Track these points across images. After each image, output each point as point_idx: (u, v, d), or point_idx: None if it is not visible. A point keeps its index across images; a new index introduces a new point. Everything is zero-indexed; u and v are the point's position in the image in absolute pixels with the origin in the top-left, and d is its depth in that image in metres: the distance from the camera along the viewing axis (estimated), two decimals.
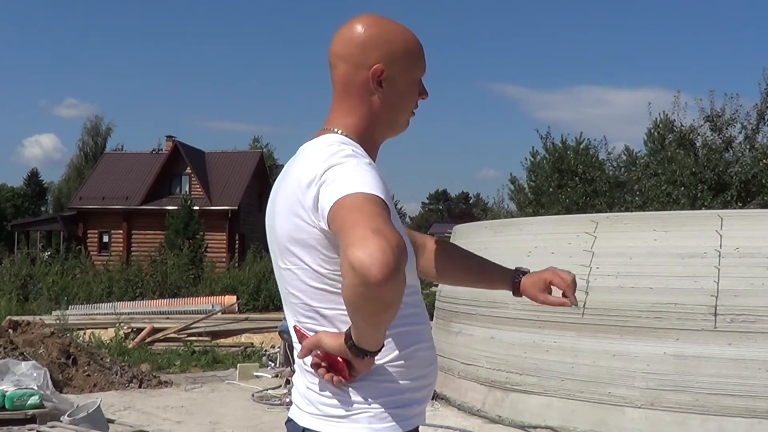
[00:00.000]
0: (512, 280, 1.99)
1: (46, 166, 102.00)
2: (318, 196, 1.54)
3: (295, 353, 1.74)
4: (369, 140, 1.72)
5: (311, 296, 1.63)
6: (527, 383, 6.74)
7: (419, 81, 1.80)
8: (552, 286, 1.94)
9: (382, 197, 1.50)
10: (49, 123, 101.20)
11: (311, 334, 1.63)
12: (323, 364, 1.59)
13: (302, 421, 1.65)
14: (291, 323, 1.73)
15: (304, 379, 1.67)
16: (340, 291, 1.57)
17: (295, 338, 1.71)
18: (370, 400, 1.59)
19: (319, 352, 1.60)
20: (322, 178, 1.54)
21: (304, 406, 1.66)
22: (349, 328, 1.53)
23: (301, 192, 1.59)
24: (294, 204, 1.61)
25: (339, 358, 1.56)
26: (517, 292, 1.99)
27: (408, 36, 1.76)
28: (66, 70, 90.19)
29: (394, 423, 1.58)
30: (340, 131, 1.71)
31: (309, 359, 1.63)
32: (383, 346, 1.56)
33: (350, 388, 1.59)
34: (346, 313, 1.56)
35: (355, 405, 1.59)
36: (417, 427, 1.65)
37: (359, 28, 1.72)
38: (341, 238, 1.43)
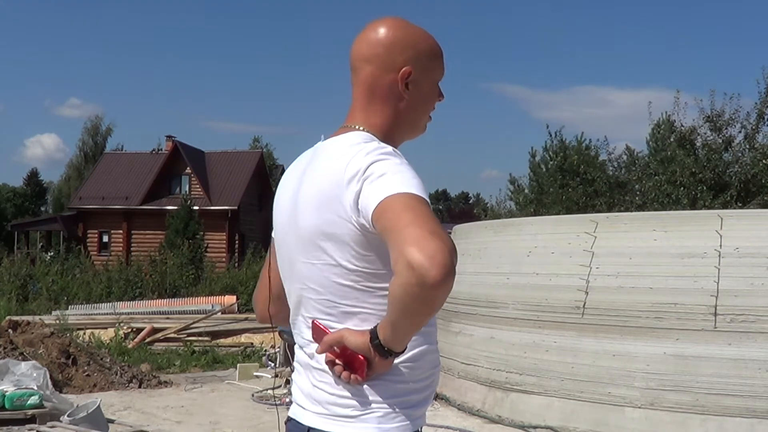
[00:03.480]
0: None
1: (48, 166, 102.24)
2: (361, 191, 1.51)
3: (297, 348, 1.71)
4: (390, 142, 1.69)
5: (335, 293, 1.59)
6: (527, 383, 6.73)
7: (438, 84, 1.79)
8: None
9: (428, 200, 1.49)
10: (52, 123, 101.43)
11: (332, 330, 1.59)
12: (338, 361, 1.56)
13: (307, 420, 1.62)
14: (299, 319, 1.69)
15: (311, 378, 1.64)
16: (366, 288, 1.56)
17: (305, 334, 1.67)
18: (381, 399, 1.57)
19: (336, 349, 1.56)
20: (366, 173, 1.51)
21: (309, 405, 1.63)
22: (375, 326, 1.51)
23: (339, 187, 1.55)
24: (329, 198, 1.57)
25: (360, 356, 1.53)
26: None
27: (430, 39, 1.76)
28: (69, 71, 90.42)
29: (402, 423, 1.57)
30: (365, 129, 1.68)
31: (320, 356, 1.60)
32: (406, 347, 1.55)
33: (364, 387, 1.57)
34: (368, 311, 1.56)
35: (366, 405, 1.56)
36: (421, 428, 1.63)
37: (385, 31, 1.70)
38: (393, 236, 1.41)
